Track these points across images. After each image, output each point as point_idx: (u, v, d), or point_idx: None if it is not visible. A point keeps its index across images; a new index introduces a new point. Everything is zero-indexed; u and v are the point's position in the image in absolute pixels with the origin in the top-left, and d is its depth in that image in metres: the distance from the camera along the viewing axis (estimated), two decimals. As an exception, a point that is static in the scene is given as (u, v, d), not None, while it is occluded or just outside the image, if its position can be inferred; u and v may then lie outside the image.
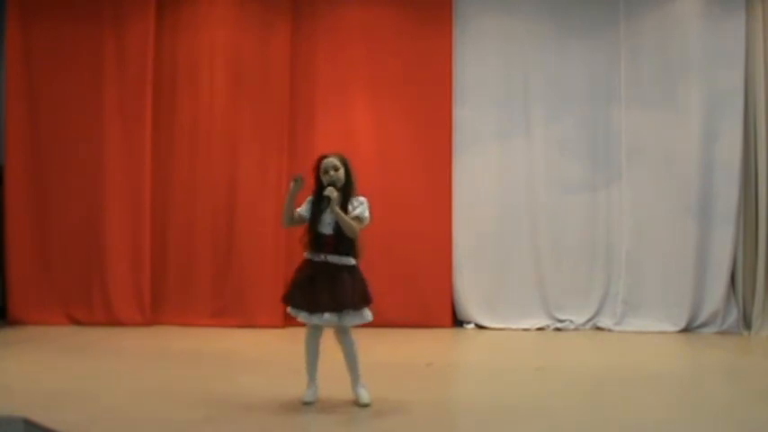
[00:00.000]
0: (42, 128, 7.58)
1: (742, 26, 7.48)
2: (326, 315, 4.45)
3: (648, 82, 7.62)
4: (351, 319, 4.50)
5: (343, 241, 4.51)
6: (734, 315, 7.45)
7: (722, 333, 7.39)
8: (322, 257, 4.51)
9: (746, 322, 7.43)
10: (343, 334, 4.57)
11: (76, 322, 7.47)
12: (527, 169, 7.75)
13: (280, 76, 7.62)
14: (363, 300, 4.53)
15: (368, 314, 4.55)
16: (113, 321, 7.41)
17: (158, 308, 7.58)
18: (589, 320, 7.64)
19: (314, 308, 4.46)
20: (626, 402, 4.90)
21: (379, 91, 7.70)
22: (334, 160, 4.57)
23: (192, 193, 7.66)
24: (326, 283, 4.45)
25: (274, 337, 7.12)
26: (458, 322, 7.75)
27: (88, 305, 7.50)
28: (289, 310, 4.61)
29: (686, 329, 7.45)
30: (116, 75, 7.56)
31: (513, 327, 7.60)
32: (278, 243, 7.49)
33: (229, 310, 7.55)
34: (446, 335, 7.43)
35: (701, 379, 5.70)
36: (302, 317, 4.52)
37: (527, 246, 7.74)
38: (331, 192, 4.46)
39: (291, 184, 4.53)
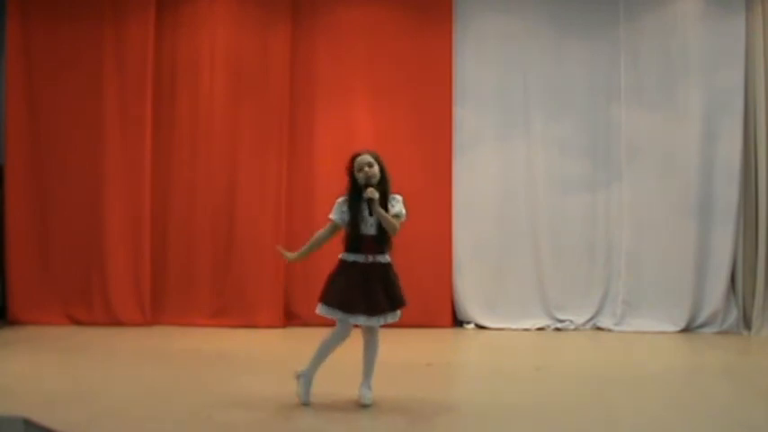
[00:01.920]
0: (42, 128, 7.58)
1: (742, 26, 7.49)
2: (388, 316, 4.48)
3: (648, 82, 7.63)
4: (392, 317, 4.53)
5: (384, 240, 4.51)
6: (734, 315, 7.46)
7: (722, 333, 7.40)
8: (370, 258, 4.48)
9: (746, 322, 7.44)
10: (375, 333, 4.58)
11: (76, 322, 7.46)
12: (527, 169, 7.75)
13: (280, 75, 7.62)
14: (403, 297, 4.58)
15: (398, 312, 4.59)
16: (113, 321, 7.41)
17: (158, 308, 7.57)
18: (589, 320, 7.65)
19: (374, 310, 4.44)
20: (626, 402, 4.90)
21: (378, 91, 7.70)
22: (367, 157, 4.51)
23: (192, 193, 7.66)
24: (381, 284, 4.46)
25: (274, 337, 7.12)
26: (458, 322, 7.75)
27: (88, 305, 7.50)
28: (339, 314, 4.44)
29: (686, 329, 7.46)
30: (116, 74, 7.56)
31: (513, 327, 7.60)
32: (278, 243, 7.47)
33: (229, 310, 7.54)
34: (446, 335, 7.43)
35: (701, 379, 5.69)
36: (361, 320, 4.46)
37: (527, 246, 7.74)
38: (372, 193, 4.40)
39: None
